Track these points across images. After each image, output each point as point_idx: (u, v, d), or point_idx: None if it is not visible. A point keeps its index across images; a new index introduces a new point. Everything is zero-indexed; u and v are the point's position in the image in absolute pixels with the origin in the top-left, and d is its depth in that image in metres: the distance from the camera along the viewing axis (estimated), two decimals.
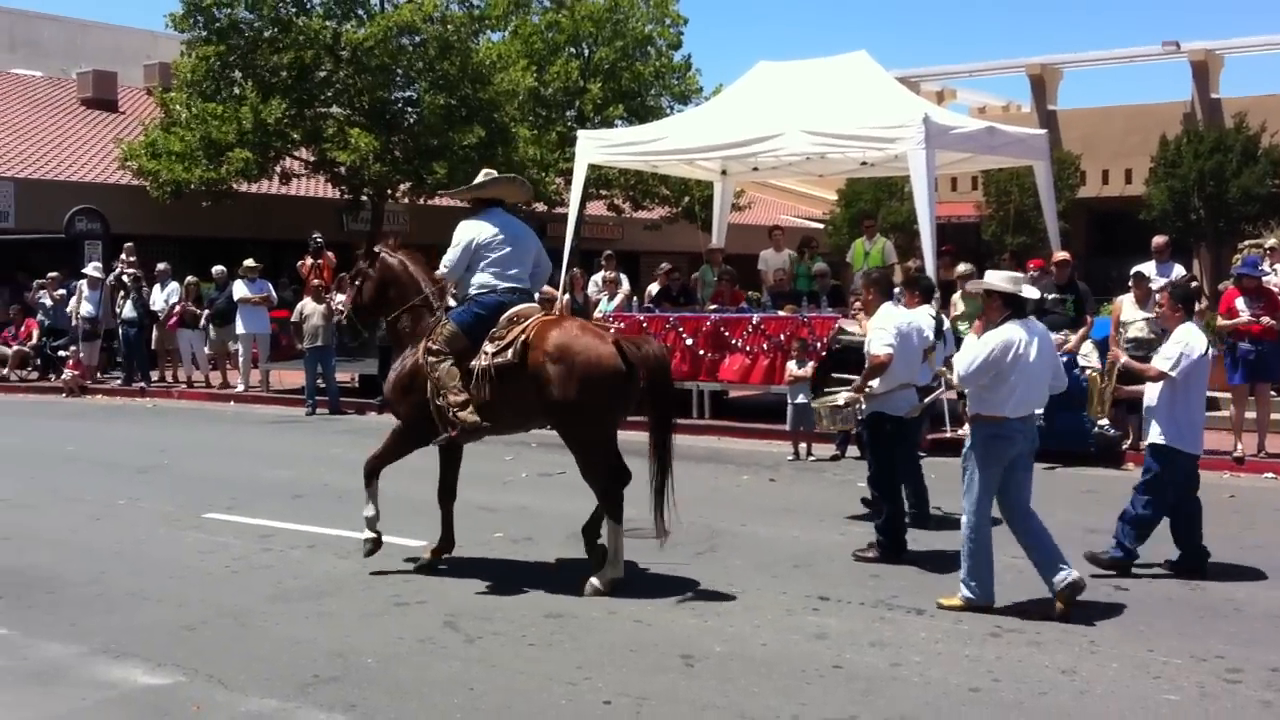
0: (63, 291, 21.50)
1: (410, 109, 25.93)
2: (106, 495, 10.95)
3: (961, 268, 14.25)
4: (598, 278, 18.05)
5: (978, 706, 5.65)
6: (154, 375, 20.59)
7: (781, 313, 14.96)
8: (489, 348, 7.70)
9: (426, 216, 29.14)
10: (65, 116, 32.60)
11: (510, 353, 7.60)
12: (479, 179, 8.48)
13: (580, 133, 18.04)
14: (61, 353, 21.01)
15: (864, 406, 8.59)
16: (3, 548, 8.92)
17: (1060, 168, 26.31)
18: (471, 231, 8.06)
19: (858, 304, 10.17)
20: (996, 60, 38.39)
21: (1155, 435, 7.99)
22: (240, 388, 19.41)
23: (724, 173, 18.64)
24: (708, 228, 20.62)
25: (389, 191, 26.09)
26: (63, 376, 20.38)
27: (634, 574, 7.95)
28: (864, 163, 17.02)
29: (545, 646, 6.52)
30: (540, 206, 28.03)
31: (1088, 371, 9.74)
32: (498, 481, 11.39)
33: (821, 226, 33.93)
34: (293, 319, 18.08)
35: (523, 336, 7.62)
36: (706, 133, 16.26)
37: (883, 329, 8.39)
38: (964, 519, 7.17)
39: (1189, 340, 7.88)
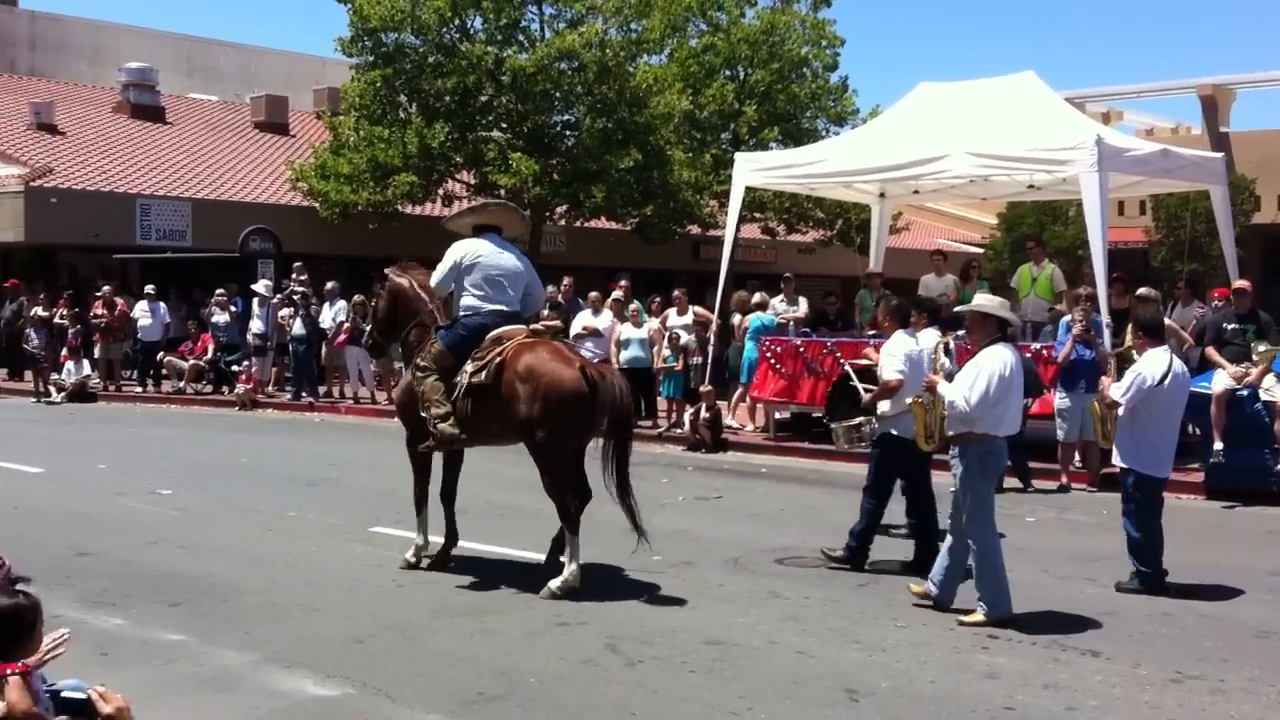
0: (235, 308, 22.29)
1: (569, 132, 26.27)
2: (278, 507, 11.29)
3: (1142, 291, 13.77)
4: (775, 301, 17.67)
5: None
6: (321, 391, 21.20)
7: None
8: (469, 367, 8.27)
9: (584, 238, 29.48)
10: (239, 139, 33.90)
11: (485, 373, 8.17)
12: (479, 204, 9.13)
13: (738, 155, 17.99)
14: (234, 367, 21.78)
15: (876, 427, 8.98)
16: (180, 556, 9.24)
17: (1234, 192, 25.18)
18: (461, 251, 8.58)
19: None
20: (1165, 81, 37.09)
21: (1118, 458, 8.31)
22: None
23: (882, 195, 18.39)
24: (863, 251, 20.35)
25: (547, 214, 26.45)
26: (235, 390, 21.13)
27: (796, 604, 7.87)
28: (1030, 185, 16.55)
29: (706, 674, 6.46)
30: (694, 229, 28.07)
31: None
32: (655, 504, 11.32)
33: (981, 250, 33.24)
34: None
35: (499, 358, 8.17)
36: (867, 155, 16.05)
37: (894, 355, 8.81)
38: (972, 543, 7.45)
39: (1144, 368, 8.12)
